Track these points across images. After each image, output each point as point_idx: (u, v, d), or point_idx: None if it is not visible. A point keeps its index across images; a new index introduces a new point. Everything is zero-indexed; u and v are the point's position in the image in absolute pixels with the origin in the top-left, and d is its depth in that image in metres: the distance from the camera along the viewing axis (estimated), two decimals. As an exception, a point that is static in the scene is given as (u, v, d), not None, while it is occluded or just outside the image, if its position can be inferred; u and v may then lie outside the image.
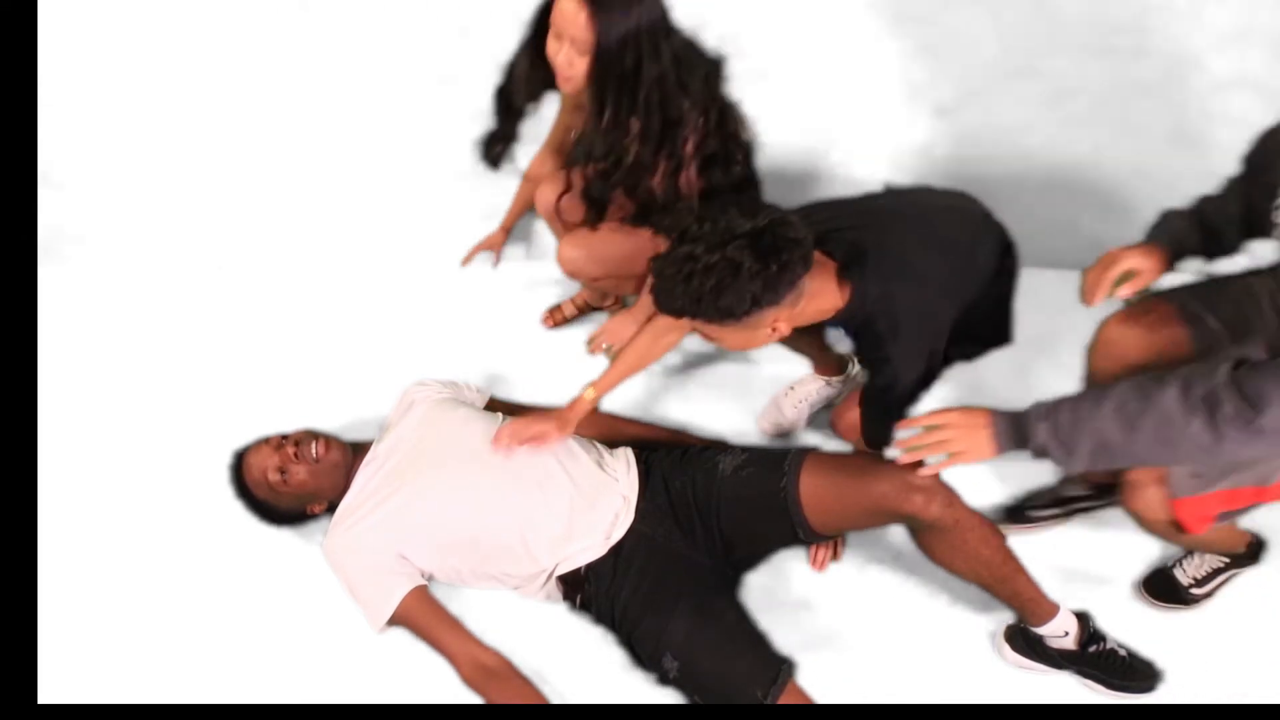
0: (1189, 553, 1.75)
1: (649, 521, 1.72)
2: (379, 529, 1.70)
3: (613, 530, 1.70)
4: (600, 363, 2.18)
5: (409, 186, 2.44)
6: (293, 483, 1.77)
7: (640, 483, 1.76)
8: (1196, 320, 1.52)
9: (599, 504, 1.72)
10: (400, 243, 2.42)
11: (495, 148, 1.97)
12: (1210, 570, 1.73)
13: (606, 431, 1.92)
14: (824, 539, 1.80)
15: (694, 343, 2.15)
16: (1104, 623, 1.68)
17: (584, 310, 2.33)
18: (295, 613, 1.80)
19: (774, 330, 1.50)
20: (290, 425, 1.88)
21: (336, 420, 2.02)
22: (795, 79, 2.25)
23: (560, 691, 1.68)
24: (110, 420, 2.12)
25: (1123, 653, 1.66)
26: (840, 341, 1.94)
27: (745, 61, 1.78)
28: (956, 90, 2.24)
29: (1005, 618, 1.71)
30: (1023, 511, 1.86)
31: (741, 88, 1.79)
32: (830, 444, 1.98)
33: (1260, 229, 1.44)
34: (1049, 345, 2.01)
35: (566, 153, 1.86)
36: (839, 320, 1.59)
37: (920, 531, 1.58)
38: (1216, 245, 1.50)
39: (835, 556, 1.87)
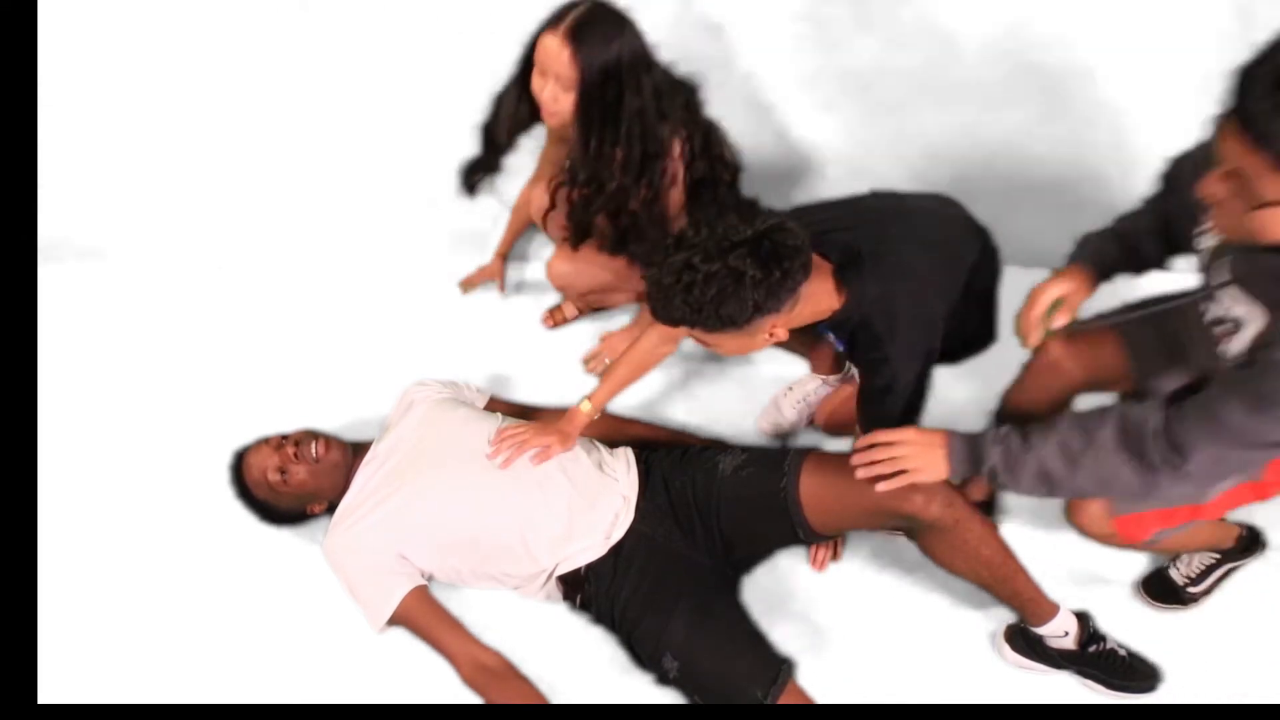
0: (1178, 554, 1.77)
1: (649, 521, 1.72)
2: (379, 529, 1.70)
3: (612, 530, 1.70)
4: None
5: (409, 187, 2.44)
6: (292, 483, 1.78)
7: (640, 483, 1.76)
8: (1133, 340, 1.56)
9: (599, 504, 1.72)
10: (400, 242, 2.42)
11: (476, 176, 2.04)
12: (1202, 567, 1.74)
13: (607, 431, 1.92)
14: (824, 539, 1.80)
15: (693, 344, 2.15)
16: (1104, 623, 1.68)
17: (584, 311, 2.33)
18: (295, 613, 1.81)
19: (771, 335, 1.50)
20: (290, 425, 1.89)
21: (336, 420, 2.03)
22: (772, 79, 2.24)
23: (560, 691, 1.68)
24: (110, 420, 2.12)
25: (1123, 653, 1.66)
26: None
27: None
28: (946, 90, 2.22)
29: (1005, 618, 1.71)
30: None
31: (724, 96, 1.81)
32: (830, 444, 1.98)
33: (1181, 246, 1.47)
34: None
35: (554, 177, 1.92)
36: (834, 321, 1.59)
37: (920, 532, 1.58)
38: (1139, 259, 1.53)
39: (835, 556, 1.87)
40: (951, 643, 1.76)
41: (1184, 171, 1.44)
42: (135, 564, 1.88)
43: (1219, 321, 1.34)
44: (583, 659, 1.73)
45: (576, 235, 1.97)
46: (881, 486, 1.47)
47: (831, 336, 1.69)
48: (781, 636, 1.68)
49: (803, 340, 1.95)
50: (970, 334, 1.80)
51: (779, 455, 1.69)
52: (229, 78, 2.36)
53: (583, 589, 1.70)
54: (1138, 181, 1.58)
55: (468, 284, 2.37)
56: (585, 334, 2.28)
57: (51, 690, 1.69)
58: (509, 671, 1.67)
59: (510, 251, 2.35)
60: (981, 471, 1.42)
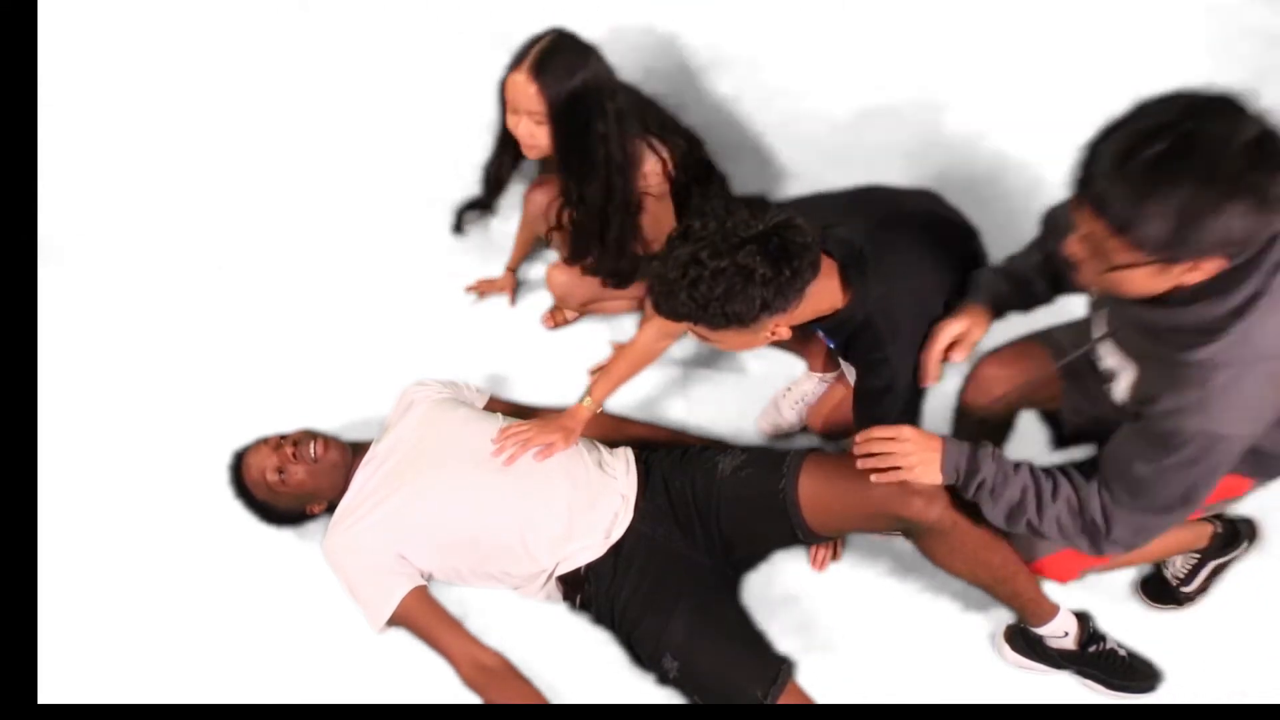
0: None
1: (649, 521, 1.72)
2: (378, 529, 1.70)
3: (612, 529, 1.70)
4: (599, 357, 2.19)
5: (409, 187, 2.44)
6: (291, 483, 1.78)
7: (640, 482, 1.76)
8: (1060, 352, 1.59)
9: (598, 503, 1.71)
10: (400, 242, 2.42)
11: (469, 214, 2.15)
12: (1189, 567, 1.74)
13: (607, 431, 1.92)
14: (823, 540, 1.80)
15: (694, 343, 2.15)
16: (1104, 623, 1.68)
17: (584, 311, 2.33)
18: (295, 613, 1.81)
19: (773, 333, 1.48)
20: (289, 425, 1.89)
21: (336, 420, 2.03)
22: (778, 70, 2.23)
23: (560, 692, 1.68)
24: (110, 420, 2.12)
25: (1123, 653, 1.66)
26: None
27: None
28: (935, 89, 2.21)
29: (1005, 618, 1.71)
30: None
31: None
32: (830, 445, 1.98)
33: (1065, 287, 1.56)
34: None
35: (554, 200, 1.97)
36: (835, 320, 1.56)
37: (919, 535, 1.57)
38: (1029, 296, 1.59)
39: (835, 556, 1.87)
40: (951, 643, 1.76)
41: (1059, 222, 1.48)
42: (135, 564, 1.88)
43: (1104, 369, 1.40)
44: (583, 659, 1.73)
45: (574, 256, 2.01)
46: (876, 478, 1.47)
47: (821, 334, 1.65)
48: (781, 636, 1.68)
49: (796, 336, 1.94)
50: None
51: (778, 456, 1.68)
52: (229, 78, 2.36)
53: (583, 589, 1.70)
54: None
55: (479, 293, 2.36)
56: (585, 334, 2.28)
57: (51, 690, 1.69)
58: (509, 672, 1.67)
59: (520, 266, 2.35)
60: (971, 482, 1.43)
